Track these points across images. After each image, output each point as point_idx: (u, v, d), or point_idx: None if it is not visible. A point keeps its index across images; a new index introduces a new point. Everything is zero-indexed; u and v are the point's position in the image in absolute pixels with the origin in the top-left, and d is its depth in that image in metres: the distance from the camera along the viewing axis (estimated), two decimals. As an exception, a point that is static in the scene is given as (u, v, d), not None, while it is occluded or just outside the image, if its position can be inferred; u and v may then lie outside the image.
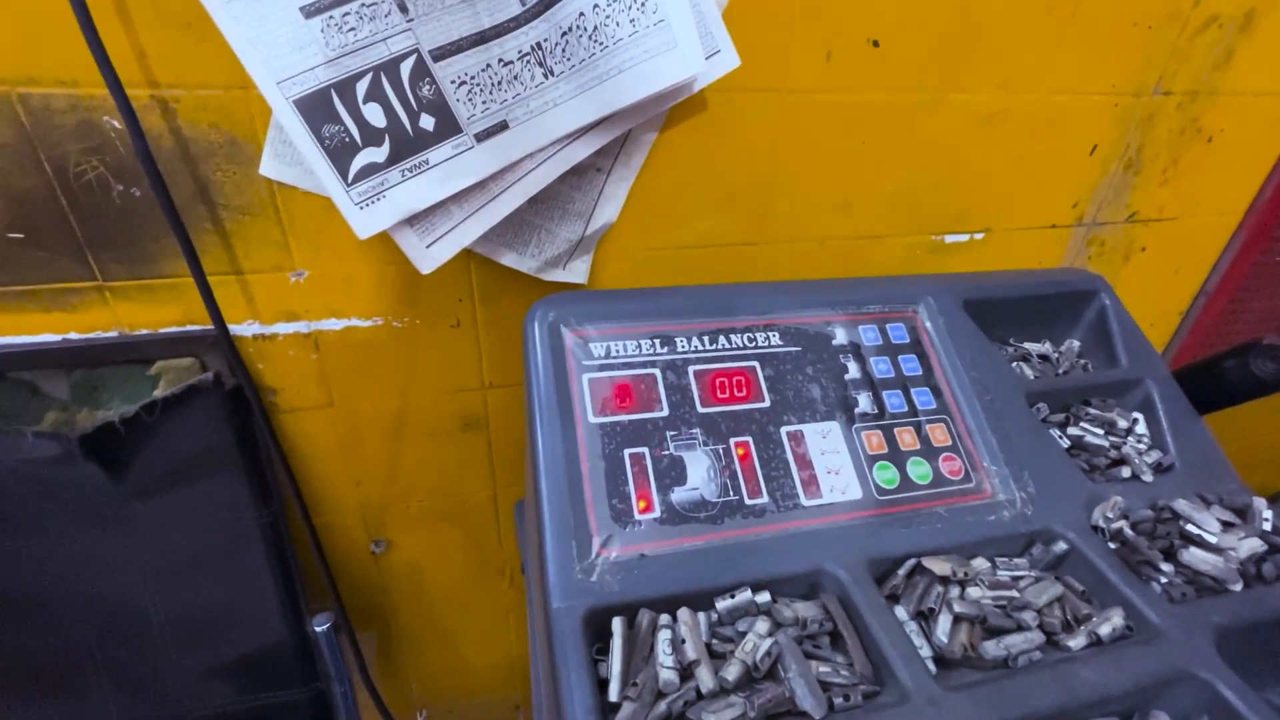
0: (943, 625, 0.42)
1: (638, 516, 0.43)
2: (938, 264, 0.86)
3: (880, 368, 0.54)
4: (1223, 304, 1.07)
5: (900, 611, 0.43)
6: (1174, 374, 0.61)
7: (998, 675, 0.40)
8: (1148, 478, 0.53)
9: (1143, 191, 0.91)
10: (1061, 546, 0.48)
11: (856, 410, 0.51)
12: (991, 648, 0.41)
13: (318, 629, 0.76)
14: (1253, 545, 0.48)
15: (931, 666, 0.40)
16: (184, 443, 0.64)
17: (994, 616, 0.43)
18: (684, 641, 0.38)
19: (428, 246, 0.52)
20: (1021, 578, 0.46)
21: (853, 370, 0.53)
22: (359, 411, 0.75)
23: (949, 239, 0.86)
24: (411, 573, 0.92)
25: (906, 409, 0.53)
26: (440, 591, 0.96)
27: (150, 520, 0.67)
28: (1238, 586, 0.46)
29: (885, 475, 0.49)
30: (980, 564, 0.47)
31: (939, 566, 0.45)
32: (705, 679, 0.36)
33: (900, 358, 0.55)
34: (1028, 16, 0.71)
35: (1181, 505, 0.50)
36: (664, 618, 0.40)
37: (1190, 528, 0.48)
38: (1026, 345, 0.62)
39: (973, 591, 0.44)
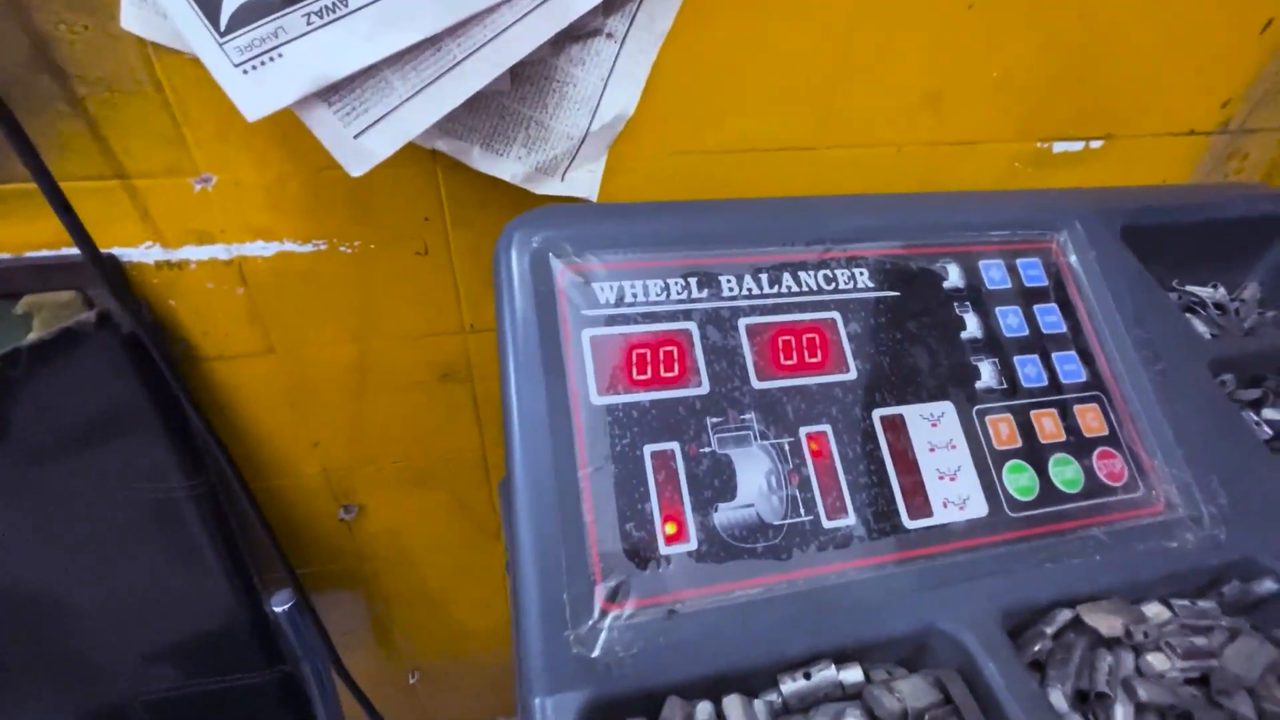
0: (1121, 718, 0.28)
1: (664, 550, 0.28)
2: (1042, 179, 0.67)
3: (1010, 322, 0.38)
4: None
5: (1053, 695, 0.29)
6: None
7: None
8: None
9: (1309, 87, 0.71)
10: (1270, 586, 0.33)
11: (978, 385, 0.36)
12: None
13: (278, 608, 0.64)
14: None
15: (1110, 790, 0.26)
16: (74, 399, 0.50)
17: (1193, 705, 0.29)
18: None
19: (356, 136, 0.36)
20: (1212, 630, 0.32)
21: (971, 326, 0.37)
22: (309, 360, 0.60)
23: (1058, 147, 0.67)
24: (390, 538, 0.80)
25: (1045, 382, 0.37)
26: (425, 556, 0.84)
27: (51, 491, 0.54)
28: None
29: (1019, 481, 0.34)
30: (1157, 612, 0.32)
31: (1105, 623, 0.31)
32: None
33: (1037, 308, 0.39)
34: None
35: None
36: (703, 709, 0.26)
37: None
38: (1196, 290, 0.46)
39: (1156, 661, 0.30)
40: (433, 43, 0.36)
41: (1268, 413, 0.40)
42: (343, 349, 0.60)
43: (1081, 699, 0.29)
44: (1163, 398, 0.37)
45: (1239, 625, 0.33)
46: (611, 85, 0.48)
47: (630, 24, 0.46)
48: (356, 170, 0.37)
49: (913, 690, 0.28)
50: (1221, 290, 0.46)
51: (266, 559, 0.70)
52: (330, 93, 0.35)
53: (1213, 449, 0.36)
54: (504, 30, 0.38)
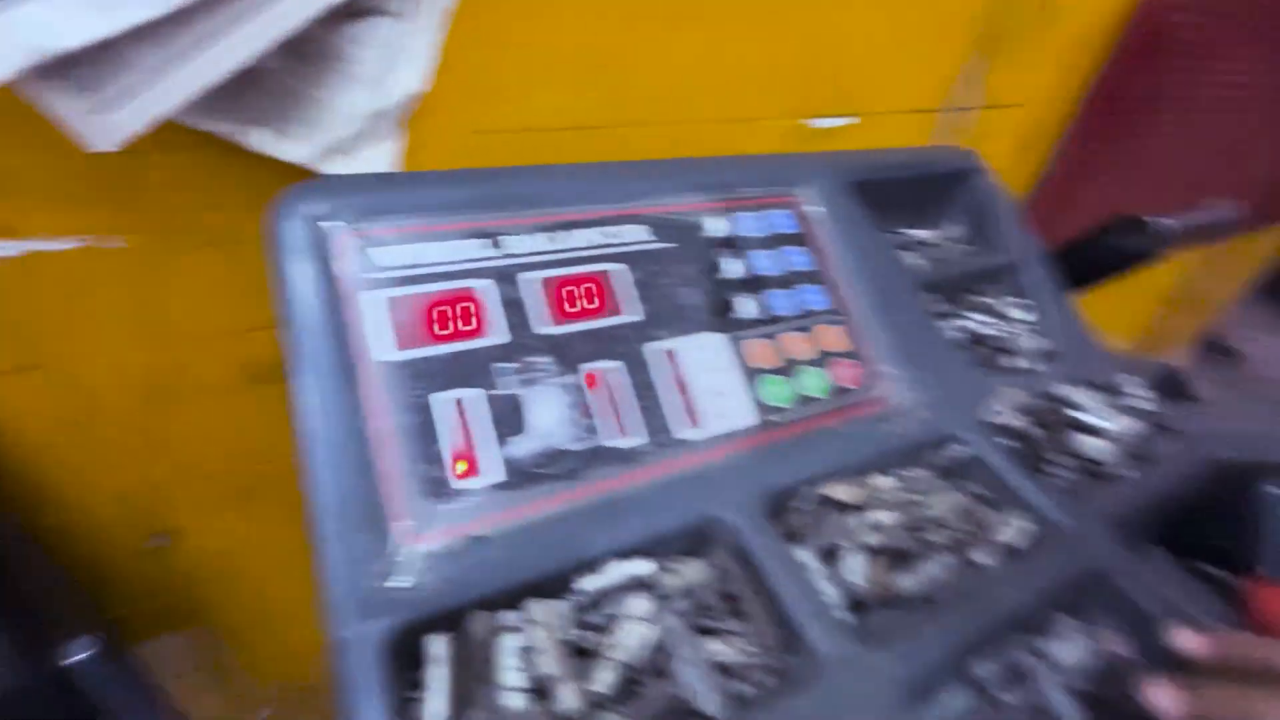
0: (852, 564, 0.35)
1: (457, 484, 0.31)
2: (807, 150, 0.78)
3: (763, 264, 0.45)
4: (1056, 192, 1.11)
5: (804, 554, 0.35)
6: (1053, 256, 0.58)
7: (918, 613, 0.34)
8: (1039, 366, 0.49)
9: (1000, 73, 0.89)
10: (960, 450, 0.43)
11: (738, 315, 0.42)
12: (909, 582, 0.34)
13: (72, 659, 0.58)
14: (1135, 426, 0.46)
15: (847, 615, 0.33)
16: None
17: (904, 540, 0.37)
18: (537, 647, 0.28)
19: (96, 112, 0.34)
20: (924, 491, 0.41)
21: (731, 268, 0.43)
22: (85, 373, 0.54)
23: (819, 123, 0.78)
24: (218, 563, 0.74)
25: (795, 311, 0.44)
26: (261, 577, 0.79)
27: None
28: (1127, 470, 0.44)
29: (777, 392, 0.40)
30: (883, 482, 0.41)
31: (844, 493, 0.38)
32: (567, 697, 0.26)
33: (786, 250, 0.46)
34: None
35: (1067, 391, 0.47)
36: (507, 618, 0.29)
37: (1080, 415, 0.45)
38: (910, 233, 0.56)
39: (880, 516, 0.38)
40: (179, 18, 0.35)
41: (960, 322, 0.50)
42: (128, 357, 0.55)
43: (828, 555, 0.36)
44: (887, 316, 0.46)
45: (943, 484, 0.42)
46: (396, 63, 0.48)
47: (412, 1, 0.47)
48: (101, 145, 0.34)
49: (695, 571, 0.33)
50: (933, 231, 0.58)
51: (70, 607, 0.62)
52: (62, 67, 0.32)
53: (922, 353, 0.46)
54: (266, 5, 0.38)
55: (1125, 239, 0.55)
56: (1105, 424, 0.45)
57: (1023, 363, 0.50)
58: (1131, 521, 0.40)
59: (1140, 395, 0.48)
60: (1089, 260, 0.58)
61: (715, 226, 0.44)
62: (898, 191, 0.55)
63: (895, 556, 0.36)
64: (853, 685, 0.29)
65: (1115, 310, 1.88)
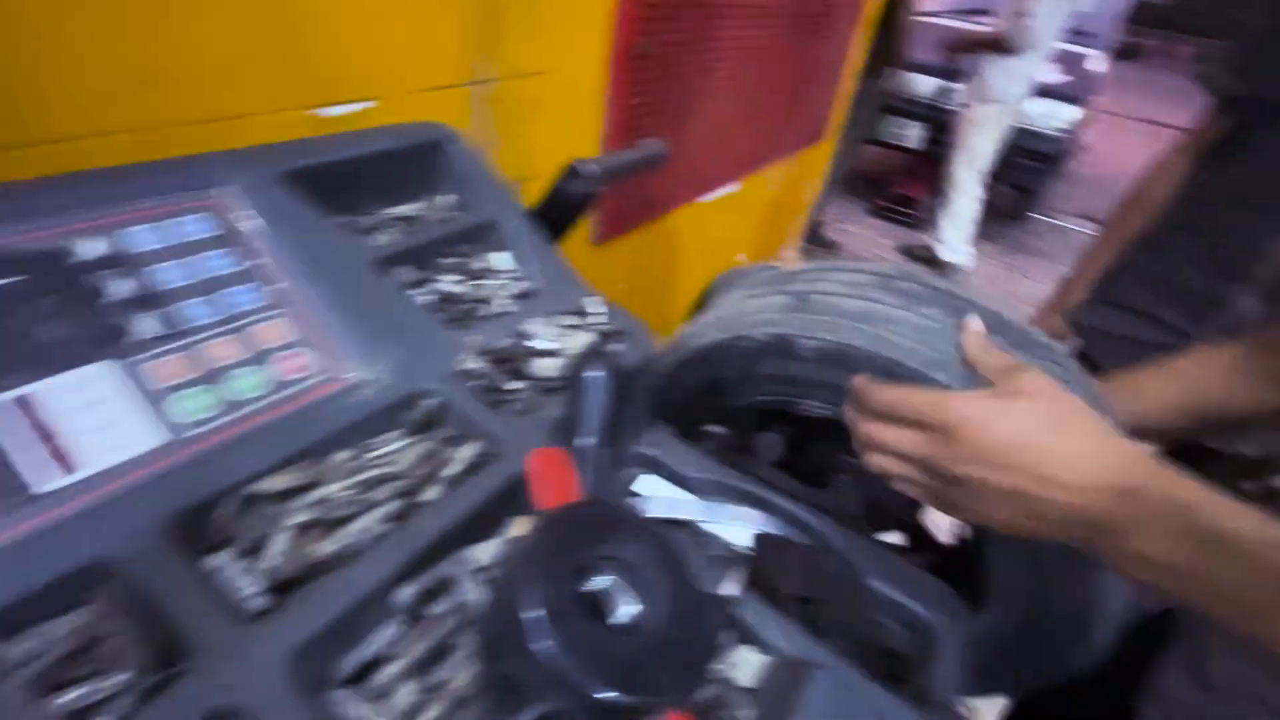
0: (278, 546, 0.36)
1: None
2: (327, 142, 0.77)
3: (170, 276, 0.42)
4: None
5: (223, 558, 0.35)
6: (529, 210, 0.65)
7: (338, 570, 0.36)
8: (513, 308, 0.56)
9: (514, 43, 0.96)
10: (429, 403, 0.47)
11: (133, 338, 0.39)
12: (332, 545, 0.37)
13: None
14: (585, 339, 0.55)
15: (262, 600, 0.34)
16: None
17: (345, 508, 0.39)
18: None
19: None
20: (390, 452, 0.44)
21: (118, 289, 0.40)
22: None
23: (329, 112, 0.76)
24: None
25: (219, 316, 0.43)
26: None
27: None
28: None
29: (193, 405, 0.39)
30: (342, 457, 0.43)
31: (280, 482, 0.39)
32: None
33: (204, 256, 0.44)
34: None
35: (530, 325, 0.54)
36: None
37: (533, 343, 0.53)
38: (386, 212, 0.59)
39: (323, 492, 0.40)
40: None
41: (433, 286, 0.55)
42: None
43: (254, 549, 0.37)
44: (337, 298, 0.48)
45: (414, 440, 0.46)
46: None
47: None
48: None
49: (55, 628, 0.31)
50: (417, 204, 0.61)
51: None
52: None
53: (383, 325, 0.49)
54: None
55: (570, 182, 0.65)
56: (556, 345, 0.53)
57: (502, 308, 0.56)
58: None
59: (596, 313, 0.58)
60: (553, 207, 0.67)
61: (90, 249, 0.40)
62: (360, 173, 0.57)
63: (331, 525, 0.38)
64: (235, 667, 0.30)
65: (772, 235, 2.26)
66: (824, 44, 2.00)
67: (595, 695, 0.25)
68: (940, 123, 3.58)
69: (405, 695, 0.33)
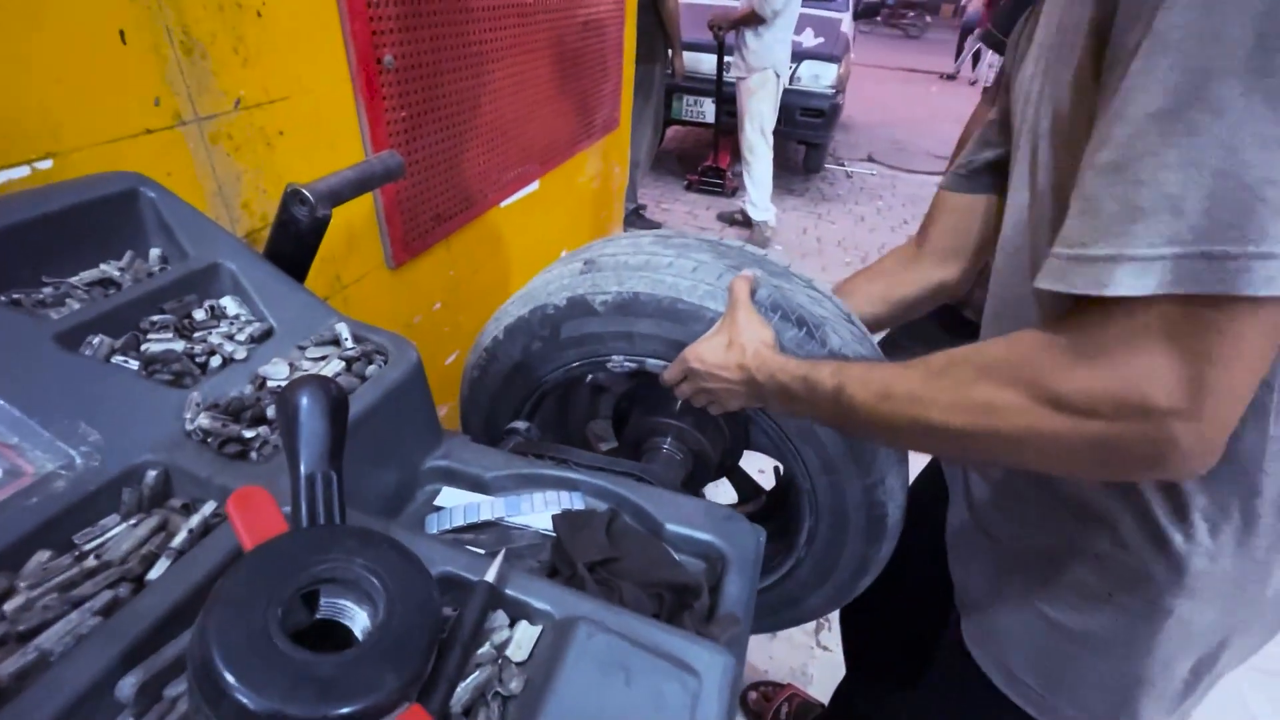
0: (-53, 683, 0.31)
1: None
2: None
3: None
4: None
5: None
6: (264, 251, 0.61)
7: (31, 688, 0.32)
8: (241, 354, 0.52)
9: (230, 73, 0.89)
10: (152, 475, 0.43)
11: None
12: (10, 664, 0.32)
13: None
14: (334, 367, 0.53)
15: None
16: None
17: (39, 615, 0.34)
18: None
19: None
20: (104, 541, 0.39)
21: None
22: None
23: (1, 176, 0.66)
24: None
25: None
26: None
27: None
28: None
29: None
30: (38, 561, 0.38)
31: (-57, 610, 0.33)
32: None
33: None
34: None
35: (268, 366, 0.51)
36: None
37: (273, 383, 0.50)
38: (72, 279, 0.52)
39: (11, 605, 0.35)
40: None
41: (143, 348, 0.50)
42: None
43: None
44: (13, 384, 0.42)
45: (142, 518, 0.41)
46: None
47: None
48: None
49: None
50: (116, 265, 0.55)
51: None
52: None
53: (75, 404, 0.43)
54: None
55: (291, 211, 0.62)
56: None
57: (234, 355, 0.52)
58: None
59: (344, 336, 0.56)
60: (284, 240, 0.63)
61: None
62: (30, 239, 0.50)
63: (21, 638, 0.34)
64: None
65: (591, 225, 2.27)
66: (594, 38, 2.06)
67: (300, 714, 0.25)
68: (727, 95, 3.84)
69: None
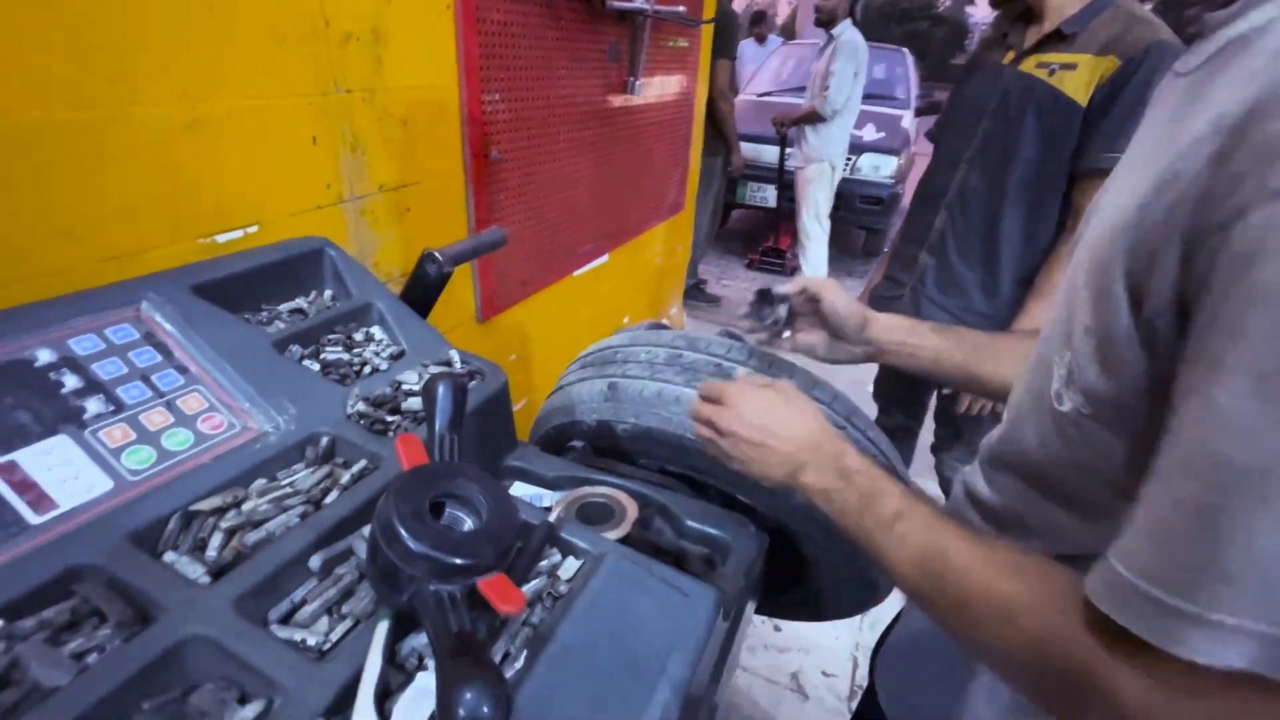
0: (214, 544, 0.50)
1: None
2: (220, 263, 0.92)
3: (109, 370, 0.56)
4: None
5: (173, 556, 0.49)
6: (399, 295, 0.83)
7: (262, 552, 0.50)
8: (384, 366, 0.73)
9: (379, 166, 1.17)
10: (324, 440, 0.62)
11: (87, 415, 0.53)
12: (252, 536, 0.51)
13: None
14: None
15: (205, 580, 0.48)
16: None
17: (263, 515, 0.53)
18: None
19: None
20: (296, 479, 0.59)
21: (71, 382, 0.54)
22: None
23: (221, 239, 0.92)
24: None
25: (150, 394, 0.57)
26: None
27: None
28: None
29: (138, 457, 0.53)
30: (259, 484, 0.57)
31: (209, 504, 0.53)
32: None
33: (132, 354, 0.59)
34: (171, 38, 0.79)
35: (401, 375, 0.71)
36: None
37: (405, 386, 0.69)
38: (279, 307, 0.75)
39: (246, 507, 0.54)
40: None
41: (320, 357, 0.71)
42: None
43: (196, 550, 0.50)
44: (242, 373, 0.63)
45: (318, 466, 0.61)
46: None
47: None
48: None
49: (53, 612, 0.43)
50: (301, 300, 0.77)
51: None
52: None
53: (281, 389, 0.64)
54: None
55: (424, 267, 0.84)
56: (417, 384, 0.70)
57: (373, 368, 0.73)
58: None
59: (457, 361, 0.76)
60: (415, 289, 0.85)
61: (45, 355, 0.54)
62: (250, 280, 0.73)
63: (254, 526, 0.52)
64: (194, 612, 0.44)
65: (654, 296, 2.51)
66: (666, 134, 2.35)
67: (438, 557, 0.41)
68: (787, 183, 4.10)
69: (322, 624, 0.47)
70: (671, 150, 2.45)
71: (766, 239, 4.89)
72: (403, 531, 0.42)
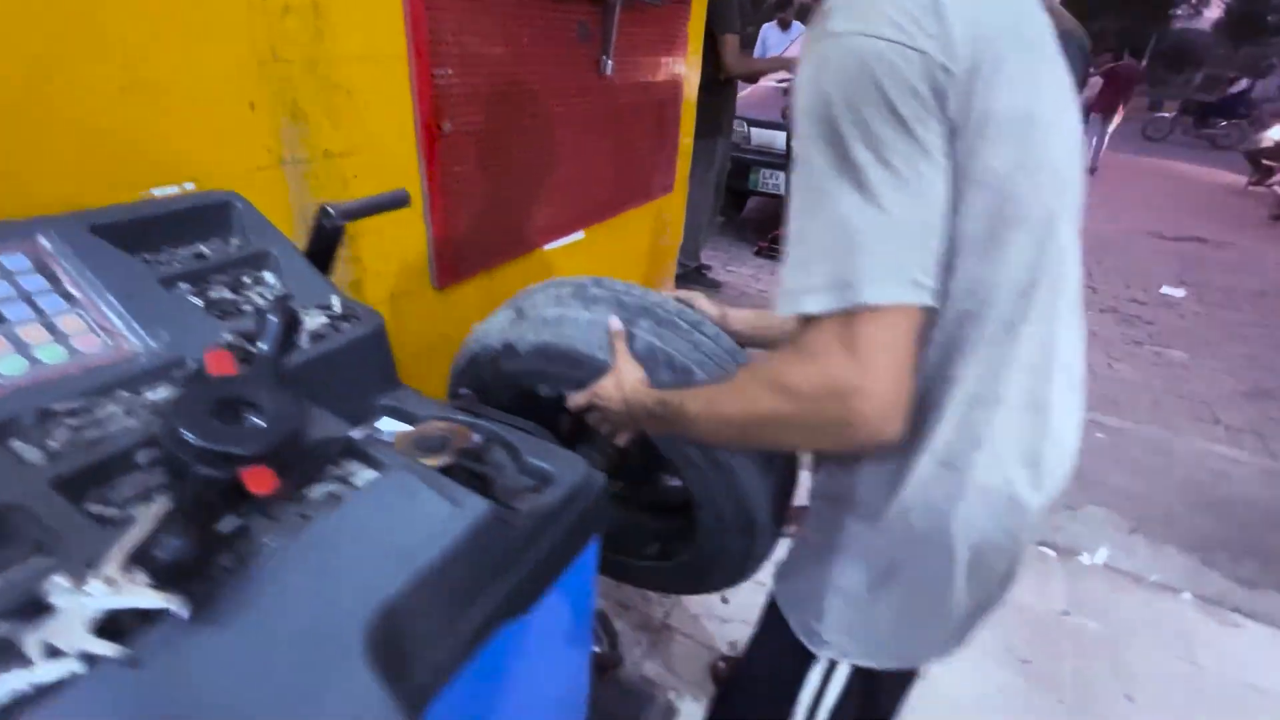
0: (58, 437, 0.58)
1: None
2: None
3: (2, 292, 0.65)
4: (440, 205, 1.56)
5: (20, 444, 0.57)
6: (305, 250, 0.91)
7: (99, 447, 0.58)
8: (263, 302, 0.81)
9: (322, 133, 1.25)
10: (190, 363, 0.70)
11: (-29, 331, 0.62)
12: (95, 433, 0.59)
13: None
14: (319, 319, 0.79)
15: (42, 463, 0.56)
16: None
17: (113, 420, 0.61)
18: None
19: None
20: (158, 395, 0.67)
21: (-38, 300, 0.63)
22: None
23: (158, 193, 1.01)
24: None
25: (32, 314, 0.66)
26: None
27: None
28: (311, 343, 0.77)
29: (10, 364, 0.62)
30: (120, 395, 0.65)
31: (65, 405, 0.61)
32: None
33: (20, 278, 0.68)
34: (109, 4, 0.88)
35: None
36: None
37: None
38: (180, 251, 0.83)
39: (101, 413, 0.62)
40: None
41: (210, 295, 0.79)
42: None
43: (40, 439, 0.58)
44: (125, 302, 0.71)
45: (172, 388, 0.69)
46: None
47: None
48: None
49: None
50: (201, 246, 0.86)
51: None
52: None
53: (161, 318, 0.72)
54: None
55: (319, 220, 0.91)
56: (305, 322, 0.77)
57: (264, 306, 0.80)
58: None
59: (337, 306, 0.83)
60: (316, 243, 0.93)
61: (-60, 275, 0.63)
62: (154, 226, 0.81)
63: (97, 427, 0.61)
64: (19, 486, 0.52)
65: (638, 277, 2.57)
66: (650, 116, 2.39)
67: (209, 446, 0.49)
68: (795, 170, 4.07)
69: (131, 507, 0.55)
70: (656, 131, 2.49)
71: (777, 227, 4.86)
72: (177, 420, 0.49)
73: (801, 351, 0.61)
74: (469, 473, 0.69)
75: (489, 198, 1.71)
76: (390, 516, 0.54)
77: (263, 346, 0.61)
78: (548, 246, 2.07)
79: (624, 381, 0.87)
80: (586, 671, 0.96)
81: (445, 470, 0.68)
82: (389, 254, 1.48)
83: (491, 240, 1.78)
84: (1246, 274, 5.73)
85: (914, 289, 0.56)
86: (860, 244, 0.55)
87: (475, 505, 0.58)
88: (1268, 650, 1.98)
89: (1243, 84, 15.38)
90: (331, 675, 0.42)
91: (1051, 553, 2.29)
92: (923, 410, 0.66)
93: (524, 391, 1.08)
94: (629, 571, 1.29)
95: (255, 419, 0.55)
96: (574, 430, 1.13)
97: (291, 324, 0.62)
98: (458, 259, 1.67)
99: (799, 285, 0.59)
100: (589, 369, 0.93)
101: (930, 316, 0.61)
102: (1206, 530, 2.45)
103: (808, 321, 0.60)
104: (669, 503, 1.34)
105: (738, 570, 1.06)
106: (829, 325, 0.58)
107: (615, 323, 0.92)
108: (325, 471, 0.59)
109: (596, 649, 1.78)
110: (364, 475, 0.60)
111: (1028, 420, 0.68)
